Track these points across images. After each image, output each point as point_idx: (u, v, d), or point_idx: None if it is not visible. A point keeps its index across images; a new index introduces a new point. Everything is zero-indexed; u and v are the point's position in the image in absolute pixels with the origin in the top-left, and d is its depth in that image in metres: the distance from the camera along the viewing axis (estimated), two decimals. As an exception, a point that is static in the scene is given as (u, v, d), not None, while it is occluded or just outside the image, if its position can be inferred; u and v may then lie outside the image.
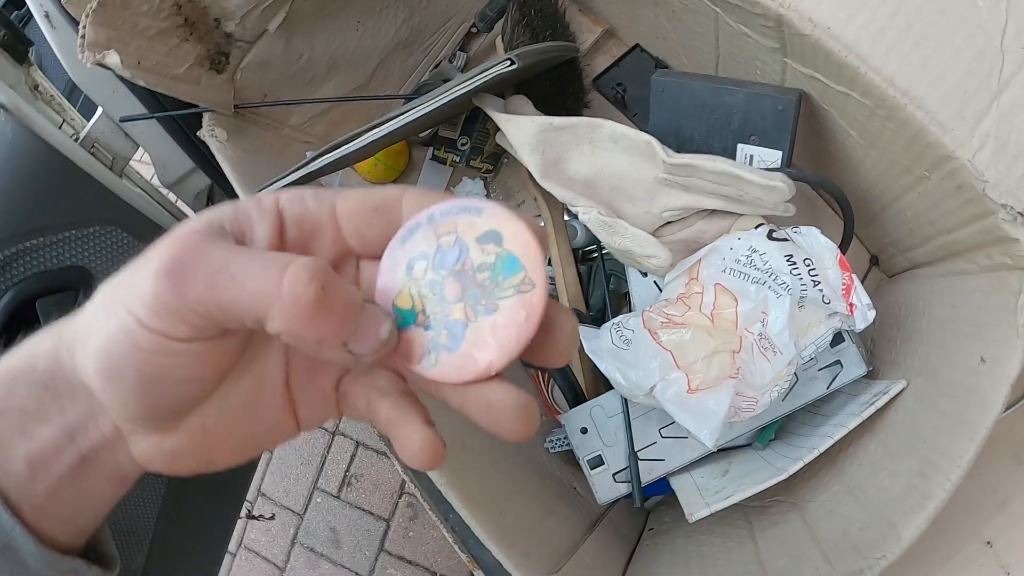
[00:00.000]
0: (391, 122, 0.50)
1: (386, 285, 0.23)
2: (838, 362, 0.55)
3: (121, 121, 0.70)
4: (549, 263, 0.72)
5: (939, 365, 0.48)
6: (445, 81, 0.77)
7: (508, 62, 0.47)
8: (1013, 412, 0.54)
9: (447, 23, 0.81)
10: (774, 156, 0.53)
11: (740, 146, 0.54)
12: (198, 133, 0.65)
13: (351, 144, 0.52)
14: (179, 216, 0.90)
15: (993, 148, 0.40)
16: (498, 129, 0.59)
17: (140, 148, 0.80)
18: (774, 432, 0.60)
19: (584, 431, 0.62)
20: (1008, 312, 0.41)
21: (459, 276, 0.22)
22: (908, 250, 0.59)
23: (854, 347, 0.54)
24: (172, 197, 0.89)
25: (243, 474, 0.97)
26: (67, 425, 0.23)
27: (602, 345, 0.57)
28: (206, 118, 0.65)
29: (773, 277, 0.51)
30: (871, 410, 0.49)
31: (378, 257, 0.24)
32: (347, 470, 1.57)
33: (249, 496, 1.59)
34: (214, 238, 0.21)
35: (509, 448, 0.60)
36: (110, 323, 0.21)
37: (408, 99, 0.78)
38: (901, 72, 0.42)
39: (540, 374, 0.73)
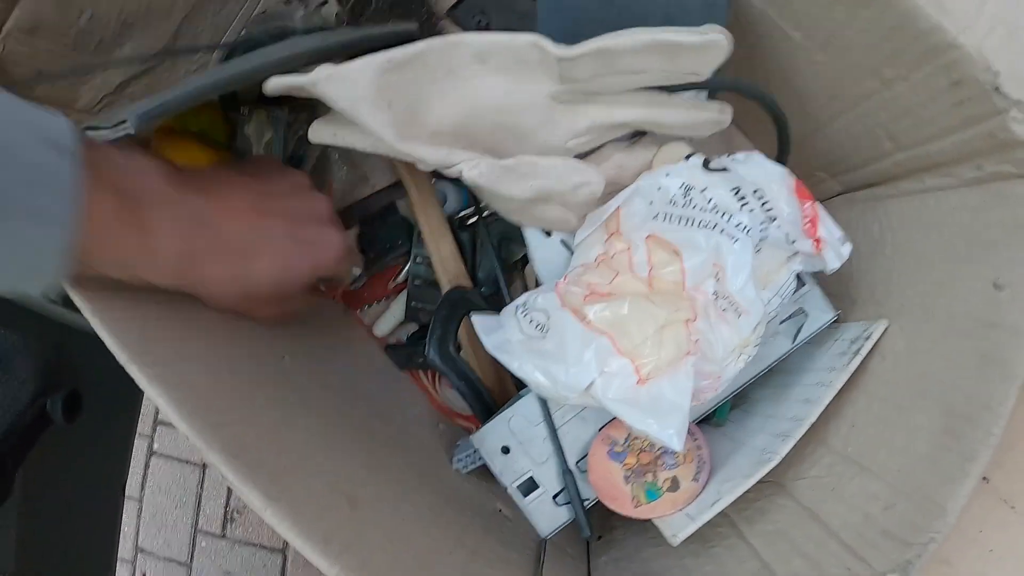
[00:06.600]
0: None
1: None
2: (801, 310, 0.46)
3: None
4: (422, 241, 0.59)
5: (928, 297, 0.40)
6: (282, 29, 0.62)
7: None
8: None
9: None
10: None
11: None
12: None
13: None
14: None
15: (1003, 34, 0.32)
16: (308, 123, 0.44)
17: None
18: (730, 402, 0.52)
19: (506, 450, 0.49)
20: (1020, 227, 0.34)
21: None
22: (845, 172, 0.52)
23: (818, 290, 0.46)
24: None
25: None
26: None
27: (509, 338, 0.43)
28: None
29: (725, 217, 0.41)
30: (857, 360, 0.41)
31: None
32: (227, 505, 1.37)
33: (127, 556, 1.37)
34: None
35: (412, 482, 0.46)
36: None
37: (232, 48, 0.61)
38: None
39: (427, 374, 0.63)
